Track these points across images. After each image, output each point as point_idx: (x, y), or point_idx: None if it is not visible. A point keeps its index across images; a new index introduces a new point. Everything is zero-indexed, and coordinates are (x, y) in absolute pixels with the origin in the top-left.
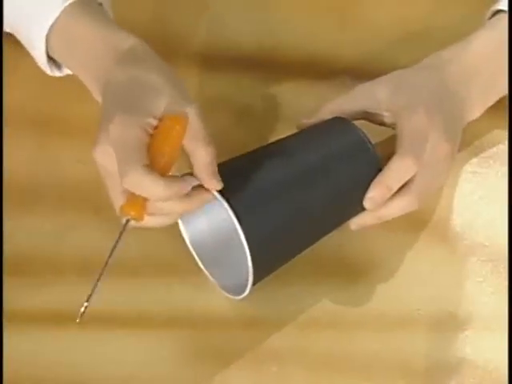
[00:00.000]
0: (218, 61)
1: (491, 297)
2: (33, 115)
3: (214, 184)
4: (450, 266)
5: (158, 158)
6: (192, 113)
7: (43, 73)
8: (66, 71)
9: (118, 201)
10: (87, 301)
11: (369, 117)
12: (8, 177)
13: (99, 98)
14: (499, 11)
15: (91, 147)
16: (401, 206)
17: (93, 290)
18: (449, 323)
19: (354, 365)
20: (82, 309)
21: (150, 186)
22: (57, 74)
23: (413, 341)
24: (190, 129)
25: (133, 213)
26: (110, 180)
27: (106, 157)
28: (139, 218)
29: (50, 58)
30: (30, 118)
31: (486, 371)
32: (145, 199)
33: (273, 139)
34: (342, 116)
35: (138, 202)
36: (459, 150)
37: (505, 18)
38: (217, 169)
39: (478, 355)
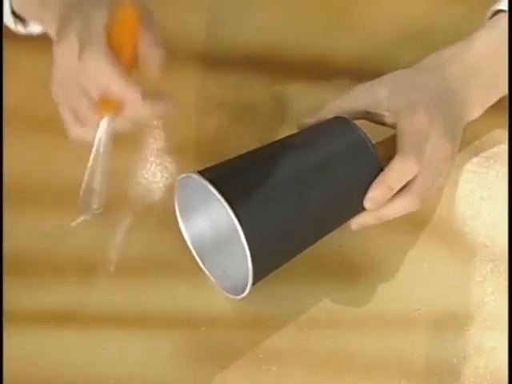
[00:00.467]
0: (218, 61)
1: (491, 297)
2: (32, 115)
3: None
4: (450, 266)
5: (117, 49)
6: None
7: (43, 73)
8: (30, 29)
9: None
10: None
11: (369, 117)
12: (8, 177)
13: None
14: (499, 11)
15: (90, 147)
16: (402, 207)
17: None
18: (449, 323)
19: (353, 365)
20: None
21: (108, 70)
22: (21, 30)
23: (413, 341)
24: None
25: (108, 107)
26: (63, 78)
27: (66, 51)
28: (116, 112)
29: (17, 17)
30: (29, 118)
31: (487, 371)
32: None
33: (273, 139)
34: (343, 116)
35: (111, 99)
36: (459, 150)
37: (505, 17)
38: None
39: (479, 355)
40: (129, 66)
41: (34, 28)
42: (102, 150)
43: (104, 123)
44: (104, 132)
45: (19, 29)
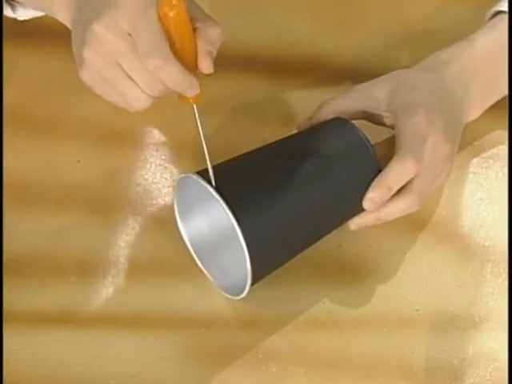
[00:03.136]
0: (218, 61)
1: (491, 297)
2: (32, 115)
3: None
4: (449, 267)
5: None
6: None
7: (43, 73)
8: (19, 14)
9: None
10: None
11: (368, 117)
12: (8, 177)
13: (68, 18)
14: (499, 12)
15: (91, 147)
16: (401, 207)
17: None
18: (449, 323)
19: (353, 365)
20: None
21: (173, 71)
22: (9, 14)
23: (413, 341)
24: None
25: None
26: (103, 58)
27: (111, 30)
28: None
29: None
30: (29, 119)
31: (486, 371)
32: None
33: (273, 139)
34: (342, 116)
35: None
36: (459, 151)
37: (505, 19)
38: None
39: (478, 355)
40: (189, 62)
41: (23, 13)
42: (200, 128)
43: (195, 110)
44: (197, 115)
45: (9, 12)
